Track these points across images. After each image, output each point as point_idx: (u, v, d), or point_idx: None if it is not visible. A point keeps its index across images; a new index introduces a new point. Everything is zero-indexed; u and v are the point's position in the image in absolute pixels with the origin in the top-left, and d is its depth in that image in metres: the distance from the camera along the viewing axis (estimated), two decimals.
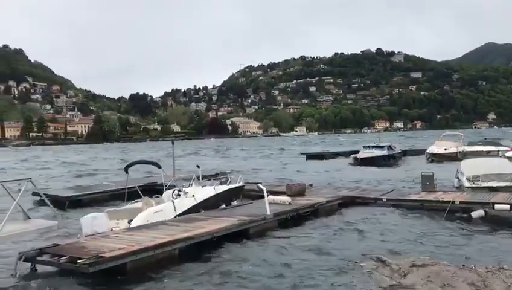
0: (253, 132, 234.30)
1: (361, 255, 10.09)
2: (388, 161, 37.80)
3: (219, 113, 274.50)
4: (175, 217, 13.29)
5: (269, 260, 9.86)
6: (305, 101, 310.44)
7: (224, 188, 16.14)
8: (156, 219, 12.53)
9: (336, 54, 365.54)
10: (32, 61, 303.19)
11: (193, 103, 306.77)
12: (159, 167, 15.25)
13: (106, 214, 12.38)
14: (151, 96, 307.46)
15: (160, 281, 8.60)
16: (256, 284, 8.45)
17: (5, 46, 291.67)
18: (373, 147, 40.01)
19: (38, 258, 8.72)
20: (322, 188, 20.18)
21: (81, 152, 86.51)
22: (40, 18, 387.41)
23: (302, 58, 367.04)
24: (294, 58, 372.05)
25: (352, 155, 38.73)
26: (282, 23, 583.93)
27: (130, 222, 12.37)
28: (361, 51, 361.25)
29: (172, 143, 30.99)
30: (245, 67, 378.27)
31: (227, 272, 9.02)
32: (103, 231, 11.28)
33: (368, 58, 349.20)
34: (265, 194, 13.75)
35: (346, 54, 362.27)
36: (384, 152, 38.29)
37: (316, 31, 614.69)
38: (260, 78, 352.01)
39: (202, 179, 17.71)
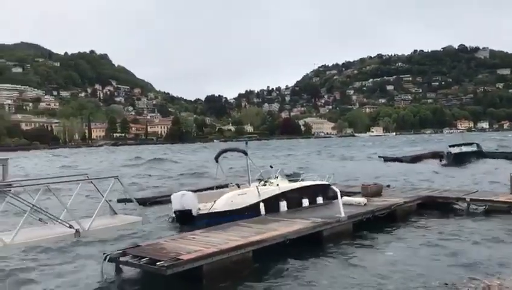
0: (327, 133, 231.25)
1: (446, 266, 9.28)
2: (478, 158, 36.50)
3: (292, 114, 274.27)
4: (258, 202, 13.51)
5: (342, 266, 9.57)
6: (382, 100, 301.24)
7: (310, 183, 15.81)
8: (240, 201, 13.03)
9: (415, 51, 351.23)
10: (116, 65, 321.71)
11: (266, 104, 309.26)
12: (246, 154, 15.53)
13: (194, 194, 13.19)
14: (226, 98, 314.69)
15: (234, 283, 8.68)
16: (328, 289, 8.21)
17: (92, 52, 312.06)
18: (462, 145, 38.60)
19: (121, 259, 9.11)
20: (400, 189, 19.13)
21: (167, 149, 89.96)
22: (122, 24, 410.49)
23: (379, 56, 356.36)
24: (370, 57, 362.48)
25: (447, 150, 37.69)
26: (357, 21, 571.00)
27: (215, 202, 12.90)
28: (442, 48, 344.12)
29: (246, 143, 31.31)
30: (319, 67, 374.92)
31: (300, 277, 8.88)
32: (191, 208, 12.04)
33: (450, 55, 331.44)
34: (339, 195, 13.44)
35: (425, 51, 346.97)
36: (474, 148, 37.38)
37: (392, 28, 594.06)
38: (334, 77, 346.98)
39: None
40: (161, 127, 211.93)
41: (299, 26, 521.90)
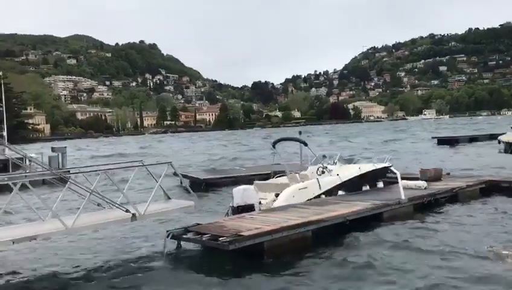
0: (377, 117, 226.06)
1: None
2: None
3: (340, 98, 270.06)
4: (319, 195, 13.39)
5: (403, 247, 9.39)
6: (434, 82, 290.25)
7: (370, 167, 15.42)
8: (301, 196, 12.86)
9: (470, 29, 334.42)
10: (165, 54, 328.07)
11: (313, 89, 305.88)
12: (306, 145, 15.36)
13: (255, 187, 13.12)
14: (273, 84, 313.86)
15: (295, 261, 8.71)
16: (390, 271, 8.04)
17: (141, 42, 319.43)
18: None
19: (184, 236, 9.44)
20: (460, 175, 18.17)
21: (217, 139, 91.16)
22: (171, 14, 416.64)
23: (431, 36, 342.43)
24: (421, 37, 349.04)
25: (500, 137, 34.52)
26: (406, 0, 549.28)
27: (276, 195, 12.81)
28: (500, 25, 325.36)
29: (300, 133, 31.21)
30: (368, 49, 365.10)
31: (360, 256, 8.79)
32: (252, 203, 11.99)
33: (509, 32, 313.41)
34: (398, 177, 13.15)
35: (481, 29, 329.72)
36: None
37: (445, 6, 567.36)
38: (384, 59, 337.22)
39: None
40: (209, 115, 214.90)
41: (346, 7, 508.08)
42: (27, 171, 11.11)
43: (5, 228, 8.92)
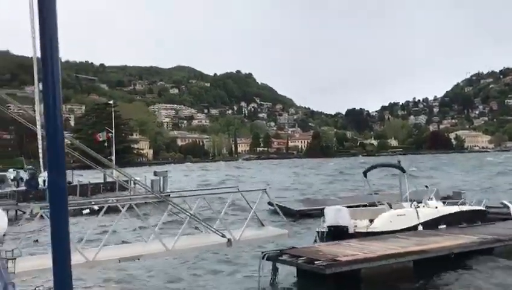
0: (482, 147, 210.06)
1: None
2: None
3: (441, 126, 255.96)
4: (417, 225, 12.90)
5: None
6: None
7: (468, 207, 14.35)
8: (398, 223, 12.48)
9: None
10: (259, 83, 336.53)
11: (412, 116, 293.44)
12: (404, 172, 14.66)
13: (348, 210, 12.95)
14: (368, 111, 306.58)
15: None
16: None
17: (238, 71, 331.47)
18: None
19: (279, 258, 9.64)
20: None
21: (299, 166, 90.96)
22: (265, 42, 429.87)
23: None
24: None
25: None
26: None
27: (371, 221, 12.51)
28: None
29: (399, 162, 30.07)
30: (471, 76, 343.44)
31: None
32: (345, 224, 11.85)
33: None
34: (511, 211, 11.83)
35: None
36: None
37: None
38: (491, 86, 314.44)
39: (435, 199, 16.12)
40: (301, 142, 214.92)
41: (447, 31, 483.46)
42: (132, 193, 11.67)
43: (112, 247, 9.38)
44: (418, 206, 13.87)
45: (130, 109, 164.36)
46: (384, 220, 12.24)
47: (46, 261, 6.31)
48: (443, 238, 11.00)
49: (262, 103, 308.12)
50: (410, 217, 12.98)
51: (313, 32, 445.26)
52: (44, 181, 28.29)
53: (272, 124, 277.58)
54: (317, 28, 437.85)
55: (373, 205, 14.75)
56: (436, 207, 13.96)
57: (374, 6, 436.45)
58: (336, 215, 11.98)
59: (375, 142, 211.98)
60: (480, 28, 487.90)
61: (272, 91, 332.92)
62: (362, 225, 12.23)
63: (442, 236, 11.37)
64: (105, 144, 43.79)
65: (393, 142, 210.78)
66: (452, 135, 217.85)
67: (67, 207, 1.55)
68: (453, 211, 14.03)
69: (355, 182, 29.82)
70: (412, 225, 12.84)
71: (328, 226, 11.88)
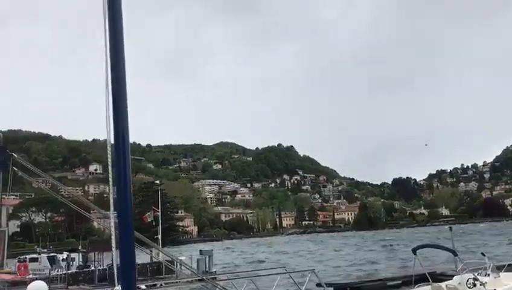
0: None
1: None
2: None
3: (494, 193, 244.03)
4: None
5: None
6: None
7: None
8: None
9: None
10: (301, 155, 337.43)
11: (462, 183, 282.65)
12: (455, 255, 13.46)
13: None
14: (415, 179, 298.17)
15: None
16: None
17: (279, 145, 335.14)
18: None
19: None
20: None
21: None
22: (305, 114, 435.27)
23: None
24: None
25: None
26: None
27: None
28: None
29: (450, 229, 28.55)
30: None
31: None
32: None
33: None
34: None
35: None
36: None
37: None
38: None
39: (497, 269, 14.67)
40: (348, 214, 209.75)
41: (492, 94, 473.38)
42: (178, 275, 11.40)
43: None
44: (474, 284, 12.44)
45: (175, 186, 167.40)
46: None
47: None
48: None
49: (305, 175, 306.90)
50: None
51: (352, 101, 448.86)
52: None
53: (317, 196, 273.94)
54: (357, 95, 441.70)
55: (424, 282, 13.53)
56: (495, 289, 12.33)
57: (420, 69, 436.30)
58: None
59: (425, 212, 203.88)
60: None
61: (314, 162, 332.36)
62: None
63: None
64: (153, 223, 44.14)
65: (444, 211, 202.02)
66: (508, 202, 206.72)
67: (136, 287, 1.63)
68: None
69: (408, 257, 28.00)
70: None
71: None
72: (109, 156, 2.53)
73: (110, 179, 2.72)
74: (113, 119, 2.46)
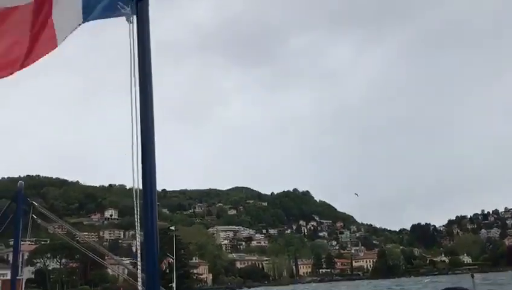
0: None
1: None
2: None
3: None
4: None
5: None
6: None
7: None
8: None
9: None
10: (317, 200, 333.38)
11: (483, 230, 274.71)
12: None
13: None
14: (434, 226, 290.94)
15: None
16: None
17: (295, 190, 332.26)
18: None
19: None
20: None
21: None
22: (320, 159, 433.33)
23: None
24: None
25: None
26: None
27: None
28: None
29: (472, 276, 27.52)
30: None
31: None
32: None
33: None
34: None
35: None
36: None
37: None
38: None
39: None
40: (366, 261, 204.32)
41: (508, 138, 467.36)
42: None
43: None
44: None
45: (190, 232, 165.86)
46: None
47: None
48: None
49: (321, 221, 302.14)
50: None
51: (367, 147, 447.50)
52: None
53: (334, 243, 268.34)
54: (373, 141, 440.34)
55: None
56: None
57: (438, 113, 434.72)
58: None
59: (446, 259, 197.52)
60: None
61: (330, 208, 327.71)
62: None
63: None
64: (167, 271, 43.44)
65: (466, 259, 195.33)
66: None
67: None
68: None
69: None
70: None
71: None
72: (136, 204, 2.46)
73: (137, 225, 2.66)
74: (141, 166, 2.41)
